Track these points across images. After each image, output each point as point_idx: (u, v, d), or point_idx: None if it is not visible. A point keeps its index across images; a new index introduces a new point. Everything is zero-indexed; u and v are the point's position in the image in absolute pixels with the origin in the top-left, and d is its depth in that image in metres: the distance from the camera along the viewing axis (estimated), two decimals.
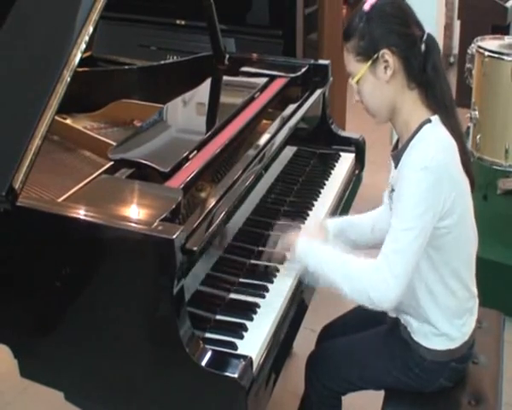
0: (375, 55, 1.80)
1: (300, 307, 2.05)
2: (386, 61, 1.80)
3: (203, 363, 1.62)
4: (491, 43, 3.79)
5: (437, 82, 1.83)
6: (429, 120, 1.82)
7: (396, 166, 1.88)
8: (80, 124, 2.50)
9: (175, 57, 3.32)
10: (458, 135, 1.86)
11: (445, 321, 1.94)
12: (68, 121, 2.50)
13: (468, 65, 3.85)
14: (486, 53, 3.62)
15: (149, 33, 3.54)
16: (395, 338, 2.04)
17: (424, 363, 1.97)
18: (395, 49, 1.80)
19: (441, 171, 1.75)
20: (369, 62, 1.81)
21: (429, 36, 1.84)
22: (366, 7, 1.82)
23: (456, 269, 1.91)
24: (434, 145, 1.78)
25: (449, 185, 1.77)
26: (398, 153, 1.86)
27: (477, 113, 3.69)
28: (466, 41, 4.29)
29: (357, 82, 1.85)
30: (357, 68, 1.84)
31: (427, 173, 1.74)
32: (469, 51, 3.84)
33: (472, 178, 1.92)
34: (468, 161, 1.91)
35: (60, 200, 1.81)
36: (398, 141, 1.94)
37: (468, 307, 1.99)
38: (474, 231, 1.98)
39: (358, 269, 1.83)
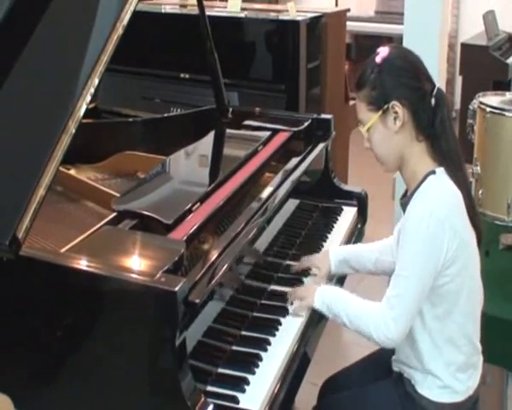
0: (386, 106, 1.86)
1: (303, 360, 2.03)
2: (395, 113, 1.85)
3: None
4: (492, 99, 3.83)
5: (444, 136, 1.88)
6: (434, 172, 1.86)
7: (404, 214, 1.92)
8: (84, 175, 2.51)
9: (179, 110, 3.36)
10: (465, 188, 1.90)
11: (449, 374, 1.93)
12: (72, 172, 2.51)
13: (469, 120, 3.88)
14: (488, 109, 3.65)
15: (153, 86, 3.58)
16: (399, 392, 2.02)
17: None
18: (405, 102, 1.85)
19: (442, 223, 1.79)
20: (380, 112, 1.87)
21: (439, 90, 1.89)
22: (378, 59, 1.88)
23: (458, 321, 1.90)
24: (435, 198, 1.82)
25: (450, 236, 1.80)
26: (405, 201, 1.91)
27: (479, 168, 3.70)
28: (467, 96, 4.33)
29: (368, 130, 1.90)
30: (368, 117, 1.90)
31: (427, 225, 1.79)
32: (471, 107, 3.87)
33: (479, 231, 1.95)
34: (475, 215, 1.95)
35: (62, 250, 1.81)
36: (406, 190, 1.97)
37: (473, 361, 1.98)
38: (479, 285, 1.99)
39: (363, 312, 1.93)
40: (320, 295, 2.04)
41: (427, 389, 1.95)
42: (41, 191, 1.76)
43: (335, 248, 2.37)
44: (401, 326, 1.85)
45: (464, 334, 1.92)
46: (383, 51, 1.89)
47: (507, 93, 4.00)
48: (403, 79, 1.86)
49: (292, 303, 2.12)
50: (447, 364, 1.92)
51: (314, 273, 2.31)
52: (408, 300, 1.83)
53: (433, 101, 1.87)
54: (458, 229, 1.84)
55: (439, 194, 1.84)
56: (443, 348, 1.91)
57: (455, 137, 1.94)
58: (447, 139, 1.89)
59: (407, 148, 1.90)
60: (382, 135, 1.90)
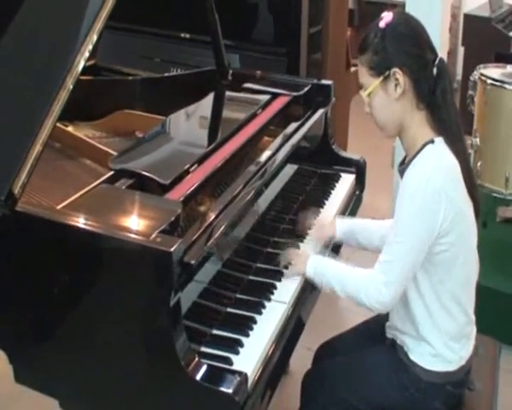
0: (387, 73, 1.85)
1: (297, 324, 2.04)
2: (396, 80, 1.85)
3: (198, 377, 1.61)
4: (493, 71, 3.80)
5: (444, 106, 1.87)
6: (432, 141, 1.86)
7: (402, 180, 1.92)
8: (82, 132, 2.49)
9: (178, 70, 3.32)
10: (463, 159, 1.90)
11: (442, 342, 1.95)
12: (70, 129, 2.49)
13: (470, 92, 3.87)
14: (489, 81, 3.63)
15: (154, 45, 3.54)
16: (392, 358, 2.03)
17: (420, 383, 1.97)
18: (406, 70, 1.84)
19: (438, 191, 1.79)
20: (381, 78, 1.86)
21: (441, 60, 1.88)
22: (382, 24, 1.87)
23: (453, 290, 1.91)
24: (432, 167, 1.83)
25: (446, 206, 1.81)
26: (403, 168, 1.91)
27: (478, 140, 3.69)
28: (469, 68, 4.31)
29: (369, 95, 1.90)
30: (369, 82, 1.89)
31: (422, 194, 1.79)
32: (472, 78, 3.85)
33: (477, 202, 1.96)
34: (473, 186, 1.95)
35: (59, 207, 1.80)
36: (405, 156, 1.97)
37: (466, 331, 1.99)
38: (474, 255, 1.99)
39: (355, 279, 1.95)
40: (312, 263, 2.05)
41: (420, 356, 1.97)
42: (38, 147, 1.75)
43: (343, 219, 2.38)
44: (392, 291, 1.86)
45: (458, 303, 1.93)
46: (387, 16, 1.87)
47: (508, 66, 3.98)
48: (405, 47, 1.85)
49: (285, 267, 2.13)
50: (440, 332, 1.94)
51: (311, 238, 2.32)
52: (400, 266, 1.84)
53: (434, 70, 1.86)
54: (455, 198, 1.84)
55: (436, 163, 1.84)
56: (437, 315, 1.92)
57: (455, 107, 1.94)
58: (447, 109, 1.88)
59: (407, 115, 1.89)
60: (382, 101, 1.89)
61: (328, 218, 2.44)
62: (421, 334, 1.95)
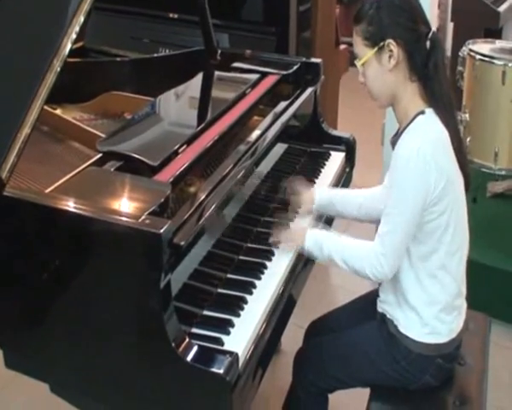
0: (381, 44, 1.88)
1: (288, 303, 2.04)
2: (390, 51, 1.88)
3: (189, 358, 1.61)
4: (482, 46, 3.80)
5: (436, 79, 1.90)
6: (423, 112, 1.90)
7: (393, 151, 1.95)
8: (70, 115, 2.47)
9: (167, 50, 3.30)
10: (455, 132, 1.93)
11: (432, 313, 1.97)
12: (58, 112, 2.47)
13: (459, 67, 3.86)
14: (478, 56, 3.63)
15: (142, 25, 3.51)
16: (382, 333, 2.05)
17: (411, 356, 1.99)
18: (400, 42, 1.87)
19: (429, 160, 1.82)
20: (375, 49, 1.89)
21: (434, 34, 1.91)
22: None
23: (443, 260, 1.94)
24: (422, 136, 1.86)
25: (437, 174, 1.84)
26: (395, 139, 1.95)
27: (467, 115, 3.70)
28: (458, 43, 4.29)
29: (363, 65, 1.93)
30: (364, 52, 1.92)
31: (414, 164, 1.82)
32: (461, 54, 3.85)
33: (466, 175, 1.99)
34: (464, 159, 1.98)
35: (47, 191, 1.79)
36: (399, 128, 1.99)
37: (457, 304, 2.01)
38: (464, 226, 2.02)
39: (357, 250, 1.98)
40: (311, 235, 2.07)
41: (410, 328, 1.99)
42: (26, 130, 1.74)
43: (322, 189, 2.42)
44: (392, 261, 1.90)
45: (449, 272, 1.96)
46: None
47: (497, 41, 3.98)
48: (400, 19, 1.88)
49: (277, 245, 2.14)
50: (431, 302, 1.96)
51: (297, 211, 2.35)
52: (398, 236, 1.88)
53: (427, 44, 1.89)
54: (444, 167, 1.87)
55: (426, 132, 1.87)
56: (427, 284, 1.95)
57: (448, 81, 1.97)
58: (440, 82, 1.91)
59: (400, 87, 1.92)
60: (376, 71, 1.92)
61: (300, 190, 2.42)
62: (412, 305, 1.97)
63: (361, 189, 2.35)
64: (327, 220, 2.42)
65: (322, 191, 2.38)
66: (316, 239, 2.06)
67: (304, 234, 2.08)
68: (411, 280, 1.96)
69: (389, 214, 1.90)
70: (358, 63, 1.95)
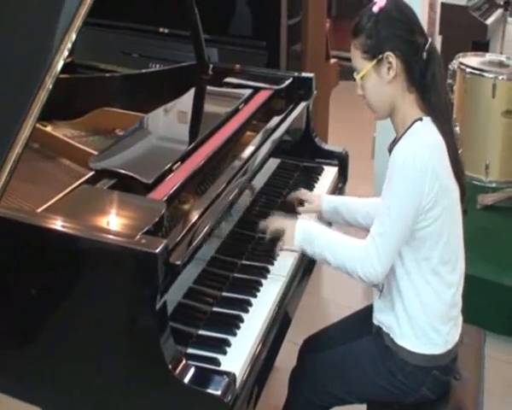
0: (380, 56, 1.90)
1: (284, 320, 2.03)
2: (389, 63, 1.90)
3: (186, 380, 1.59)
4: (472, 59, 3.83)
5: (433, 89, 1.92)
6: (421, 119, 1.92)
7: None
8: (61, 132, 2.46)
9: (157, 65, 3.30)
10: (451, 142, 1.95)
11: (429, 323, 1.96)
12: (48, 129, 2.45)
13: (449, 80, 3.89)
14: (468, 70, 3.65)
15: (132, 40, 3.51)
16: (378, 346, 2.04)
17: (407, 368, 1.98)
18: (399, 53, 1.89)
19: (425, 164, 1.84)
20: (374, 62, 1.91)
21: (431, 45, 1.93)
22: (375, 9, 1.91)
23: (437, 268, 1.94)
24: (420, 142, 1.88)
25: (432, 179, 1.85)
26: (392, 146, 1.96)
27: (458, 128, 3.72)
28: (447, 56, 4.32)
29: (362, 78, 1.95)
30: (363, 65, 1.93)
31: (410, 168, 1.84)
32: (451, 67, 3.87)
33: (462, 185, 2.00)
34: (459, 169, 1.99)
35: (39, 210, 1.77)
36: (395, 137, 2.00)
37: (452, 314, 2.01)
38: (458, 237, 2.02)
39: (349, 250, 1.97)
40: (301, 228, 2.06)
41: (406, 339, 1.98)
42: (17, 149, 1.72)
43: (329, 196, 2.46)
44: (385, 263, 1.89)
45: (443, 281, 1.95)
46: (380, 1, 1.91)
47: (487, 54, 4.02)
48: (398, 31, 1.89)
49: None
50: (427, 311, 1.96)
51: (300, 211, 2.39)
52: (391, 238, 1.88)
53: (425, 55, 1.91)
54: (440, 173, 1.88)
55: (424, 138, 1.89)
56: (422, 291, 1.95)
57: (445, 91, 2.01)
58: (437, 93, 1.92)
59: (398, 98, 1.94)
60: (375, 83, 1.93)
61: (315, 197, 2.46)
62: (408, 314, 1.97)
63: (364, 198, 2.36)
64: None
65: (328, 198, 2.40)
66: (307, 232, 2.05)
67: (293, 226, 2.07)
68: (407, 288, 1.96)
69: (383, 215, 1.90)
70: (357, 76, 1.96)
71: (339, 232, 2.04)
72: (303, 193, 2.45)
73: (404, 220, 1.87)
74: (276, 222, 2.16)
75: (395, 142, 1.96)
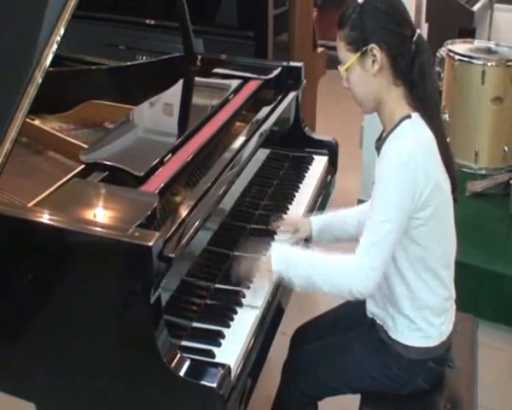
0: (364, 49, 1.84)
1: (277, 311, 2.03)
2: (374, 56, 1.84)
3: (181, 373, 1.59)
4: (460, 46, 3.83)
5: (421, 83, 1.87)
6: (409, 116, 1.86)
7: (379, 156, 1.92)
8: (49, 125, 2.44)
9: (144, 57, 3.27)
10: (441, 136, 1.90)
11: (422, 317, 1.95)
12: (37, 122, 2.43)
13: (437, 68, 3.87)
14: (457, 57, 3.65)
15: (118, 32, 3.48)
16: (372, 338, 2.04)
17: (402, 361, 1.98)
18: (384, 46, 1.84)
19: (416, 166, 1.79)
20: (358, 54, 1.86)
21: (419, 36, 1.87)
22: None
23: (431, 265, 1.92)
24: (411, 142, 1.82)
25: (424, 179, 1.81)
26: (380, 144, 1.91)
27: (447, 116, 3.72)
28: (434, 44, 4.32)
29: (346, 70, 1.90)
30: (347, 57, 1.88)
31: (402, 169, 1.79)
32: (439, 55, 3.86)
33: (453, 178, 1.96)
34: (450, 162, 1.95)
35: (30, 204, 1.76)
36: (382, 132, 1.96)
37: (446, 306, 2.00)
38: (451, 231, 2.00)
39: (336, 266, 1.88)
40: (278, 255, 1.94)
41: (401, 333, 1.97)
42: (7, 145, 1.71)
43: (317, 217, 2.30)
44: (378, 273, 1.82)
45: (436, 277, 1.94)
46: None
47: (475, 41, 4.01)
48: (383, 23, 1.84)
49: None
50: (420, 306, 1.94)
51: (286, 232, 2.26)
52: (385, 246, 1.81)
53: (413, 46, 1.85)
54: (432, 173, 1.84)
55: (414, 139, 1.83)
56: (416, 288, 1.93)
57: (433, 84, 1.94)
58: (425, 86, 1.87)
59: (384, 91, 1.89)
60: (360, 76, 1.89)
61: (296, 216, 2.37)
62: (401, 309, 1.95)
63: (351, 208, 2.29)
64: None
65: (317, 219, 2.27)
66: (284, 260, 1.93)
67: (268, 258, 1.95)
68: (400, 286, 1.93)
69: (373, 223, 1.83)
70: (342, 68, 1.91)
71: (317, 251, 1.95)
72: (286, 222, 2.30)
73: (398, 226, 1.81)
74: (246, 263, 2.01)
75: (383, 139, 1.90)
